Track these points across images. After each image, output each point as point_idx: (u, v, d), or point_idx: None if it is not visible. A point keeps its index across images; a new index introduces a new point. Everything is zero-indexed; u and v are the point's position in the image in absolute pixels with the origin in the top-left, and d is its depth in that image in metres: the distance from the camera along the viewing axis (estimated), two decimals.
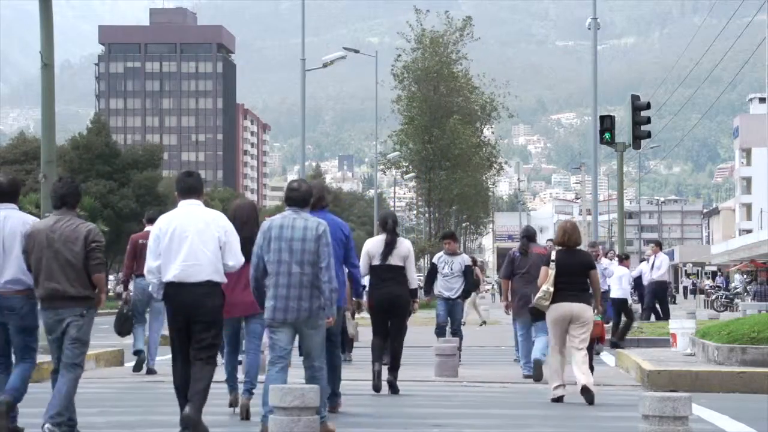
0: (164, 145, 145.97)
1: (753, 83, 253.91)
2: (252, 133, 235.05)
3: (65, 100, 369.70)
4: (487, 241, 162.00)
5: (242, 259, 9.71)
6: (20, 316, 9.63)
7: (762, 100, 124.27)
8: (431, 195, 70.53)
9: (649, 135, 29.66)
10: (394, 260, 13.43)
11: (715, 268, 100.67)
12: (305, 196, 9.73)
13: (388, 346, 13.84)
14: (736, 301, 54.46)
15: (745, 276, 77.10)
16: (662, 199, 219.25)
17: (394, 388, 13.65)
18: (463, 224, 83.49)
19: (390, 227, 13.47)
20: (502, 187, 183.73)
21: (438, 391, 14.23)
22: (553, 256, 12.87)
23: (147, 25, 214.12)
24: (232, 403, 11.35)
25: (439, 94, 67.19)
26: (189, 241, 9.46)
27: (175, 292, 9.47)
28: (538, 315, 13.28)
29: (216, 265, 9.47)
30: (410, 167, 70.22)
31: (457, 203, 74.08)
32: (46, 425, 9.17)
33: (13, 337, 9.69)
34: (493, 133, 77.36)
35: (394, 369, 13.68)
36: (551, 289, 12.61)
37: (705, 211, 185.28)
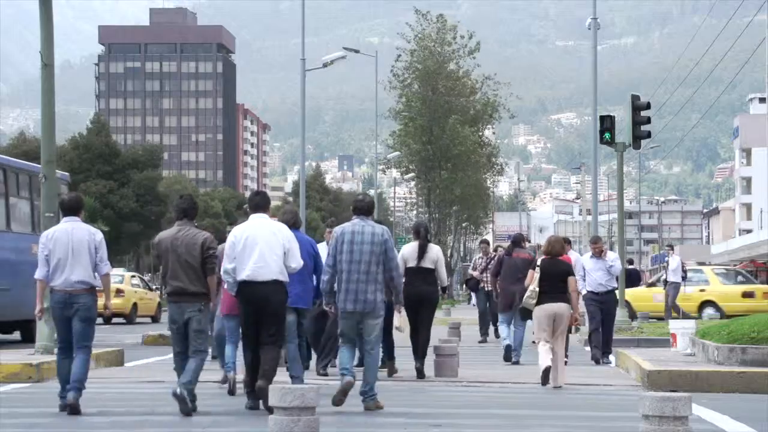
0: (164, 145, 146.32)
1: (753, 83, 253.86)
2: (252, 133, 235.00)
3: (65, 100, 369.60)
4: None
5: (302, 262, 11.73)
6: (86, 308, 11.59)
7: (762, 100, 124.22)
8: (431, 195, 70.51)
9: (649, 135, 29.60)
10: (425, 263, 15.51)
11: None
12: (369, 206, 11.91)
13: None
14: None
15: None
16: (662, 199, 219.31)
17: (420, 374, 15.41)
18: (463, 224, 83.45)
19: (423, 235, 15.70)
20: (502, 187, 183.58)
21: (438, 391, 14.24)
22: (539, 263, 15.23)
23: (147, 25, 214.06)
24: (224, 380, 13.56)
25: (438, 93, 67.18)
26: (258, 247, 11.37)
27: (247, 288, 11.34)
28: (527, 313, 15.80)
29: (281, 267, 11.41)
30: (410, 167, 70.21)
31: (458, 203, 73.99)
32: (179, 389, 11.27)
33: (76, 326, 11.62)
34: (494, 133, 77.28)
35: (421, 357, 15.54)
36: (537, 290, 14.89)
37: (705, 211, 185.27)
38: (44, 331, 17.15)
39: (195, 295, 11.51)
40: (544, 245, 15.52)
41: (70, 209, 11.89)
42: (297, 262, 11.54)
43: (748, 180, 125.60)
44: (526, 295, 15.03)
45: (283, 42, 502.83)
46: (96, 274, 11.75)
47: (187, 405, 11.26)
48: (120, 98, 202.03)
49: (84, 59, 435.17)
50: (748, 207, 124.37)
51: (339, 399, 11.57)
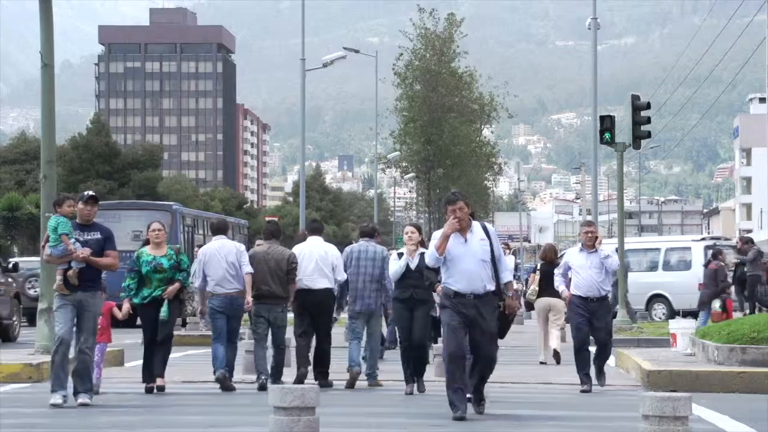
0: (164, 145, 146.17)
1: (753, 83, 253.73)
2: (252, 133, 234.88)
3: (65, 100, 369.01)
4: None
5: (345, 275, 14.65)
6: (240, 308, 14.52)
7: (762, 100, 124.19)
8: (431, 195, 70.45)
9: (649, 135, 29.58)
10: None
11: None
12: (372, 230, 15.09)
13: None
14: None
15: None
16: (662, 199, 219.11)
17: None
18: None
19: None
20: (502, 187, 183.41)
21: (438, 391, 14.23)
22: (538, 267, 20.37)
23: (147, 25, 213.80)
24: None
25: (439, 94, 67.11)
26: (314, 262, 14.60)
27: (304, 295, 14.59)
28: (530, 306, 21.17)
29: (330, 278, 14.61)
30: (410, 167, 70.15)
31: None
32: (262, 380, 14.18)
33: (230, 323, 14.51)
34: (492, 132, 77.17)
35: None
36: (537, 288, 19.94)
37: (705, 211, 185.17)
38: (44, 331, 17.09)
39: (280, 297, 14.53)
40: (541, 253, 20.64)
41: (217, 229, 14.97)
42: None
43: (748, 180, 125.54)
44: (528, 293, 20.28)
45: (283, 42, 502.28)
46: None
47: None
48: (120, 98, 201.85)
49: (84, 59, 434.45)
50: (748, 207, 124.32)
51: (350, 384, 14.56)
